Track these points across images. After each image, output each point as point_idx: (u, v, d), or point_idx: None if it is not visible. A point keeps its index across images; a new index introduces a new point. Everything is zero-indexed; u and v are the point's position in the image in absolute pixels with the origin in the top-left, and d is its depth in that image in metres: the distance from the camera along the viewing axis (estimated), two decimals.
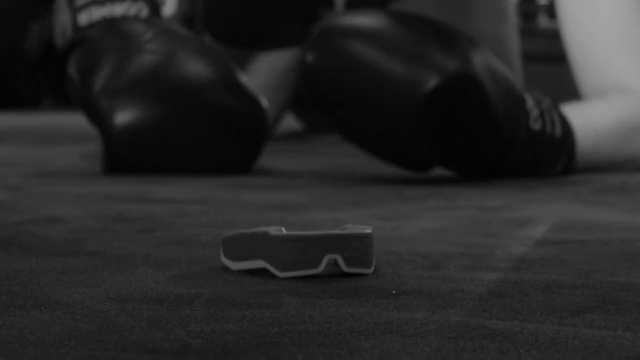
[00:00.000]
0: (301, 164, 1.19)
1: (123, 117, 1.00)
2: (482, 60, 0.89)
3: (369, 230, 0.49)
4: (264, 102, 1.06)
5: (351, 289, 0.45)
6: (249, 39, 1.52)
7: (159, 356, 0.34)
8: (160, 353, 0.34)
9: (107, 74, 1.02)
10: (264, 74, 1.49)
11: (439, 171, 0.98)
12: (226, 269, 0.50)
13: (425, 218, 0.71)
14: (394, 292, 0.44)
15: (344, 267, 0.48)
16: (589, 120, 1.02)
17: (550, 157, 0.97)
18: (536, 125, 0.94)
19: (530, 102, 0.94)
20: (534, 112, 0.94)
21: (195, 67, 1.03)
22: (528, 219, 0.70)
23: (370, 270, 0.49)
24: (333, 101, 0.92)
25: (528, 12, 3.12)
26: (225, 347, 0.35)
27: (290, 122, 1.85)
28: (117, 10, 1.09)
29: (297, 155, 1.33)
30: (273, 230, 0.48)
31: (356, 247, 0.48)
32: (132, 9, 1.10)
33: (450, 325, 0.38)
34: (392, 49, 0.87)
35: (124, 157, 1.01)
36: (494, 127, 0.91)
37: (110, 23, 1.08)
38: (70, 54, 1.09)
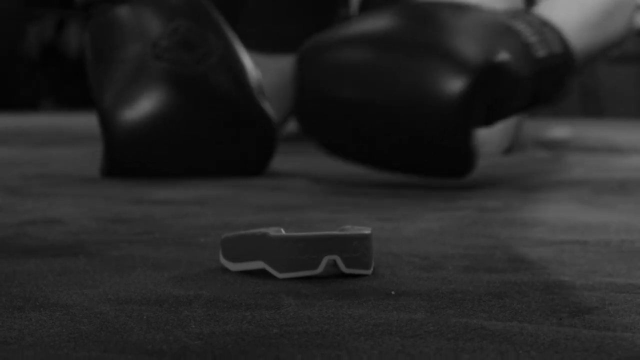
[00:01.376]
0: (300, 165, 1.19)
1: (127, 114, 0.99)
2: (486, 33, 0.85)
3: (368, 231, 0.49)
4: (269, 109, 1.05)
5: (350, 290, 0.45)
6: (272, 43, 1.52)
7: (158, 357, 0.34)
8: (159, 354, 0.34)
9: (115, 80, 1.01)
10: (276, 75, 1.48)
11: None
12: (225, 270, 0.50)
13: (424, 219, 0.71)
14: (393, 293, 0.45)
15: (343, 268, 0.48)
16: (568, 15, 1.02)
17: (561, 74, 0.92)
18: (541, 52, 0.88)
19: (525, 31, 0.88)
20: (533, 40, 0.88)
21: (210, 69, 1.02)
22: (527, 220, 0.70)
23: (370, 271, 0.49)
24: (351, 126, 0.87)
25: None
26: (224, 348, 0.35)
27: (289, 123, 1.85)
28: None
29: (296, 156, 1.33)
30: (272, 231, 0.48)
31: (355, 248, 0.48)
32: None
33: (450, 326, 0.38)
34: (408, 51, 0.83)
35: (125, 156, 0.99)
36: (517, 84, 0.86)
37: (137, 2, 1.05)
38: (90, 9, 1.06)
